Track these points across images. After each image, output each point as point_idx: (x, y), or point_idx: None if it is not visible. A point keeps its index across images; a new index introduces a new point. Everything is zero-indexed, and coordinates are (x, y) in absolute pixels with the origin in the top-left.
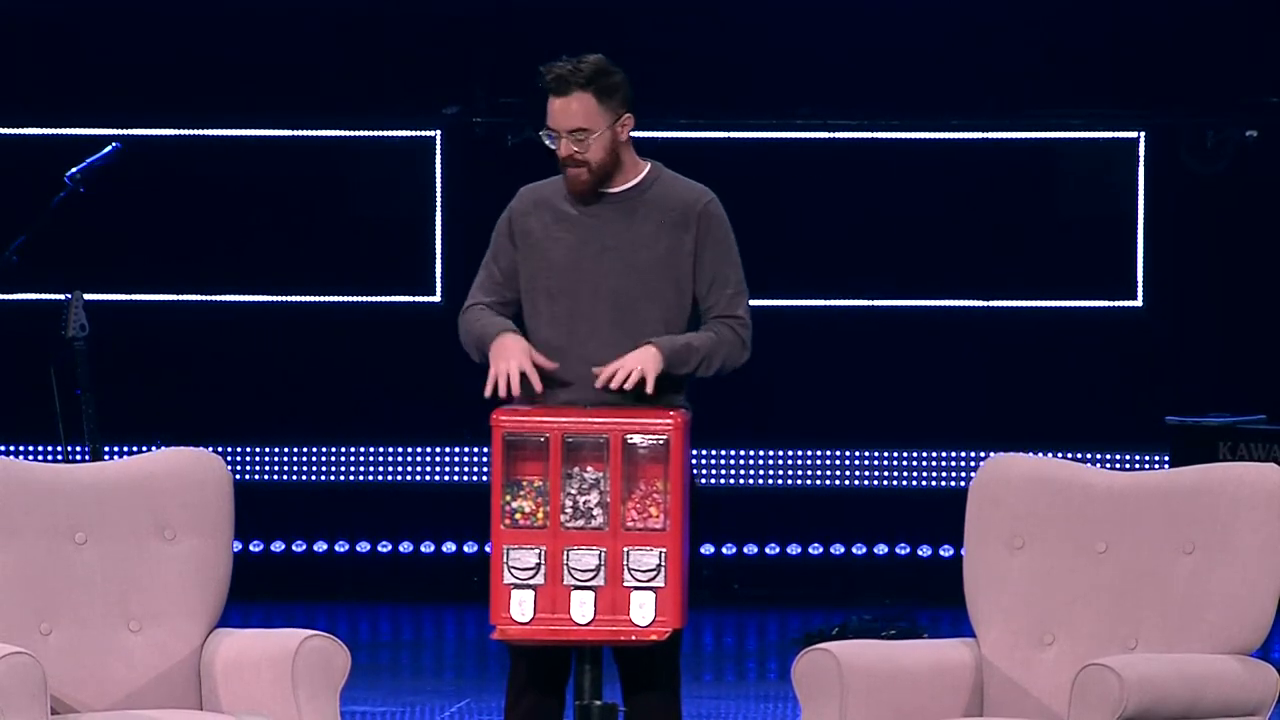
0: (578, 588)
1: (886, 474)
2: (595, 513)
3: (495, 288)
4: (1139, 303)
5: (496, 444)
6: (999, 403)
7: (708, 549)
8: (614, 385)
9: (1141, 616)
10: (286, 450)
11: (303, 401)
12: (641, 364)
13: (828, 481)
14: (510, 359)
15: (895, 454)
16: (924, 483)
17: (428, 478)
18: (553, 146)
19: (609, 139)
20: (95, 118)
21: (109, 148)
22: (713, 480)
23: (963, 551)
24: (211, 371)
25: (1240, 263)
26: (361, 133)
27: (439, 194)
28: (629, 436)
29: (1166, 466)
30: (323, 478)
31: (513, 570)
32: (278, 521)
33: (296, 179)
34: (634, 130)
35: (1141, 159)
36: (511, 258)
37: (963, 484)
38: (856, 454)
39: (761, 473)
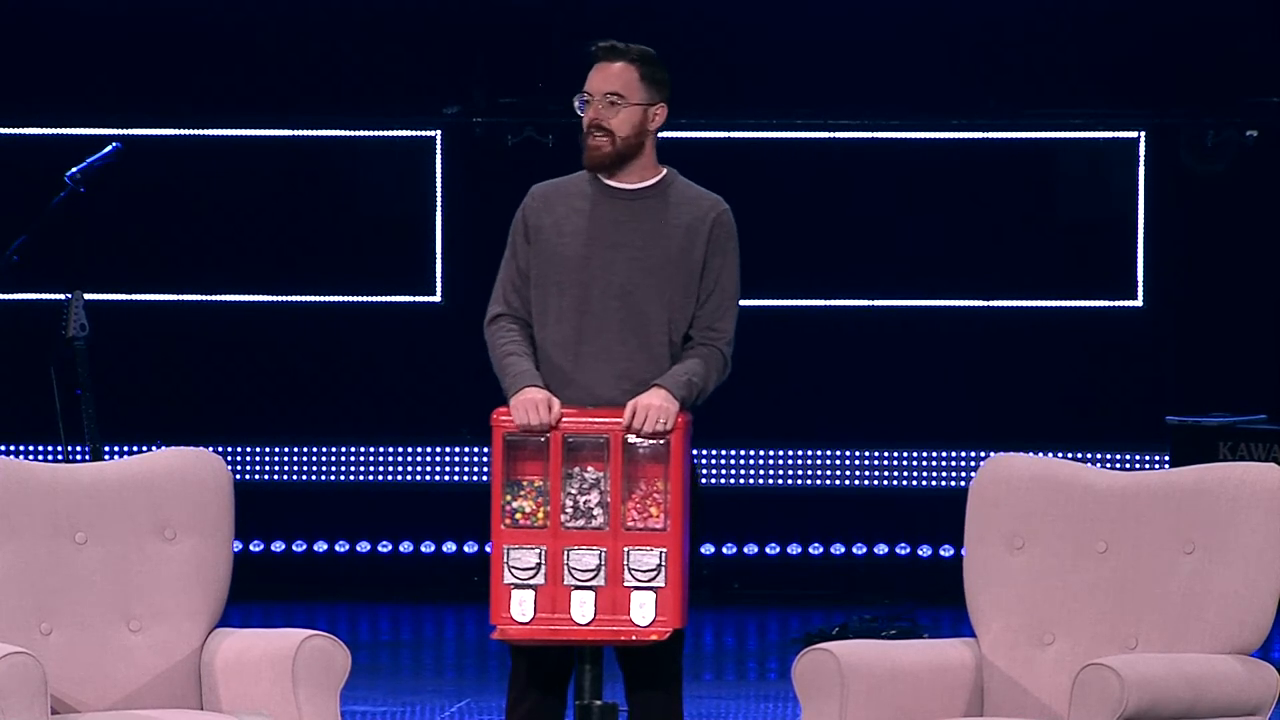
0: (578, 588)
1: (886, 474)
2: (595, 513)
3: (516, 289)
4: (1139, 303)
5: (497, 444)
6: (1000, 402)
7: (708, 549)
8: (646, 430)
9: (1141, 616)
10: (286, 450)
11: (303, 401)
12: (662, 411)
13: (828, 481)
14: (529, 413)
15: (895, 454)
16: (924, 483)
17: (428, 478)
18: (581, 113)
19: (639, 117)
20: (95, 118)
21: (109, 148)
22: (713, 480)
23: (963, 551)
24: (211, 371)
25: (1240, 263)
26: (361, 133)
27: (439, 194)
28: (629, 436)
29: (1166, 466)
30: (323, 478)
31: (513, 570)
32: (278, 521)
33: (297, 179)
34: None
35: (1141, 159)
36: (528, 255)
37: (963, 484)
38: (856, 454)
39: (761, 473)
